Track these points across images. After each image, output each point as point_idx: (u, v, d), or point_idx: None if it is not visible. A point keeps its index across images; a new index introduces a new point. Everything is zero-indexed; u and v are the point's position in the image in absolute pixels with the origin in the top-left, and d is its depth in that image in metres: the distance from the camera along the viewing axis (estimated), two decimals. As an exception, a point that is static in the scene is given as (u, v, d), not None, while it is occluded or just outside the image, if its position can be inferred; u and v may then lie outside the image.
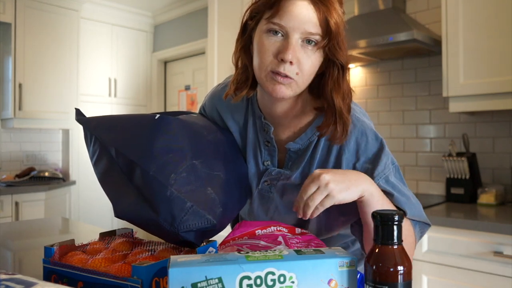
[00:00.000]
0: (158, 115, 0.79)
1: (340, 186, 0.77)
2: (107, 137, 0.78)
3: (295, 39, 0.79)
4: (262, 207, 0.99)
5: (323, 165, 0.90)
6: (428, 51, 2.33)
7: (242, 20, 0.87)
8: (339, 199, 0.77)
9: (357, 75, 2.72)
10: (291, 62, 0.79)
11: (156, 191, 0.73)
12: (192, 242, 0.77)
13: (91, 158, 0.85)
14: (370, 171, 0.86)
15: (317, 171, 0.80)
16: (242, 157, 0.97)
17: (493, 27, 1.92)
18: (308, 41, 0.80)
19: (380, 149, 0.88)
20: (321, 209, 0.78)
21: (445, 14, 2.05)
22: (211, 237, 0.81)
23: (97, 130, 0.81)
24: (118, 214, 0.82)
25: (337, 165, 0.89)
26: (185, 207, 0.74)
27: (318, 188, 0.77)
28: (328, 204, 0.78)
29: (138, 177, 0.74)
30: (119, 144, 0.77)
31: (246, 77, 0.89)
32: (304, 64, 0.80)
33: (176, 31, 4.34)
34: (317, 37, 0.79)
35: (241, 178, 0.93)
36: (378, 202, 0.81)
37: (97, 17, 4.12)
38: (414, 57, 2.46)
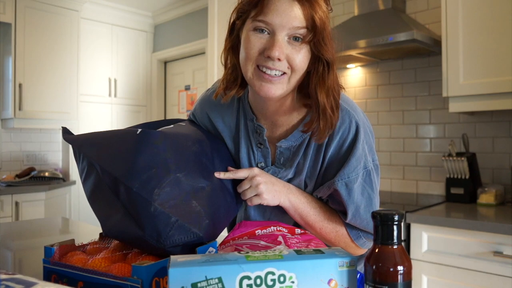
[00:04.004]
0: (140, 130, 0.78)
1: (269, 189, 0.88)
2: (92, 154, 0.78)
3: (282, 36, 0.79)
4: (259, 210, 0.99)
5: (315, 161, 0.91)
6: (428, 51, 2.33)
7: (230, 20, 0.88)
8: (265, 201, 0.88)
9: (357, 75, 2.72)
10: (279, 59, 0.79)
11: (140, 208, 0.73)
12: None
13: (81, 176, 0.84)
14: (335, 169, 0.89)
15: (256, 170, 0.89)
16: (232, 163, 0.96)
17: (493, 27, 1.92)
18: (295, 38, 0.79)
19: (355, 151, 0.87)
20: (253, 204, 0.89)
21: (445, 14, 2.05)
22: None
23: (83, 147, 0.80)
24: (106, 232, 0.82)
25: (323, 160, 0.90)
26: (169, 222, 0.73)
27: (250, 187, 0.88)
28: (256, 202, 0.88)
29: (123, 194, 0.74)
30: (103, 161, 0.76)
31: (235, 77, 0.90)
32: (294, 59, 0.80)
33: (176, 31, 4.34)
34: (303, 31, 0.79)
35: (230, 185, 0.91)
36: (296, 212, 0.92)
37: (97, 17, 4.12)
38: (414, 57, 2.46)
